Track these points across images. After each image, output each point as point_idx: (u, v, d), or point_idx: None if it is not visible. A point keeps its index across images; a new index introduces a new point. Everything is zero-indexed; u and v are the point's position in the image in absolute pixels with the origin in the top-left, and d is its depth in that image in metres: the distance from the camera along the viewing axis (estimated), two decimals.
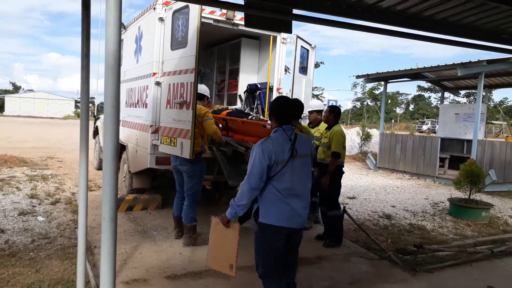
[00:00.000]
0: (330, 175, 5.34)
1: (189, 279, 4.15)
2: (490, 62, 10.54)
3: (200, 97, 5.39)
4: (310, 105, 6.44)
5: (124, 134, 7.33)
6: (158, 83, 5.73)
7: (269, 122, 6.06)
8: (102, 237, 1.94)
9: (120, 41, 1.82)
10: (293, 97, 6.33)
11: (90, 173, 9.16)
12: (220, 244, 3.29)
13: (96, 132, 10.74)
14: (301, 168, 3.06)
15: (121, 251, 4.74)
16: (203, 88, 5.52)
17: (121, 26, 1.87)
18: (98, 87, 11.08)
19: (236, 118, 5.98)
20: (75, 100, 66.11)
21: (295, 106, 3.50)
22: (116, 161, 1.88)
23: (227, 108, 6.89)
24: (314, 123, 6.30)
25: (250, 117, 6.38)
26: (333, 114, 5.62)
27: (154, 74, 5.74)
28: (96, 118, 11.13)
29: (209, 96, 5.61)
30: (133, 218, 6.17)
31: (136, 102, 6.67)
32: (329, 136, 5.45)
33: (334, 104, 18.14)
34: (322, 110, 6.42)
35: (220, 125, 5.91)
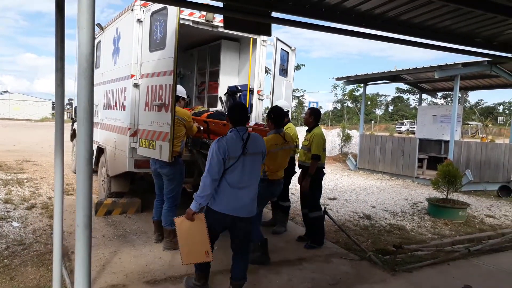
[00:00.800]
0: (310, 177, 5.36)
1: (169, 284, 4.10)
2: (465, 65, 10.80)
3: (176, 98, 5.38)
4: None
5: (102, 137, 7.21)
6: (136, 85, 5.65)
7: (250, 124, 6.00)
8: (76, 244, 1.88)
9: (93, 45, 1.77)
10: (273, 99, 6.34)
11: (68, 176, 8.98)
12: (191, 239, 3.59)
13: (74, 135, 10.54)
14: (251, 164, 3.58)
15: (100, 256, 4.65)
16: (179, 89, 5.50)
17: (94, 29, 1.83)
18: (76, 89, 10.88)
19: (218, 120, 5.92)
20: (52, 102, 64.78)
21: (247, 110, 3.87)
22: (90, 167, 1.83)
23: (208, 110, 6.81)
24: None
25: None
26: (313, 116, 5.64)
27: (132, 76, 5.66)
28: (74, 120, 10.93)
29: (185, 97, 5.56)
30: (112, 222, 6.06)
31: (114, 104, 6.56)
32: (309, 139, 5.46)
33: (315, 105, 18.31)
34: (288, 111, 6.27)
35: (201, 128, 5.86)
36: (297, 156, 6.19)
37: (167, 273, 4.31)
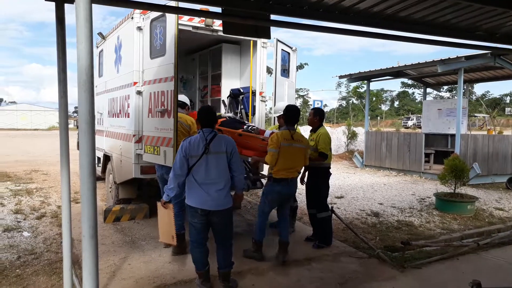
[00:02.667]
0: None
1: None
2: (468, 58, 10.74)
3: (182, 105, 5.43)
4: (277, 109, 6.03)
5: (108, 145, 7.28)
6: (139, 92, 5.71)
7: (266, 134, 5.81)
8: (83, 255, 1.92)
9: (92, 57, 1.80)
10: (275, 100, 6.35)
11: (76, 184, 9.06)
12: (164, 222, 4.31)
13: None
14: (216, 162, 3.89)
15: (110, 263, 4.70)
16: (184, 98, 5.60)
17: (93, 42, 1.86)
18: None
19: (232, 130, 5.65)
20: None
21: (213, 114, 4.11)
22: (93, 178, 1.86)
23: (220, 116, 6.47)
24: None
25: (246, 126, 5.96)
26: (318, 116, 5.63)
27: (135, 83, 5.71)
28: None
29: (189, 105, 5.61)
30: (120, 229, 6.11)
31: (118, 112, 6.62)
32: (315, 139, 5.45)
33: (320, 104, 18.29)
34: None
35: None
36: None
37: (177, 277, 4.34)
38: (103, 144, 7.57)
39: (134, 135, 5.77)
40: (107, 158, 7.31)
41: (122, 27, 6.35)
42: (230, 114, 7.01)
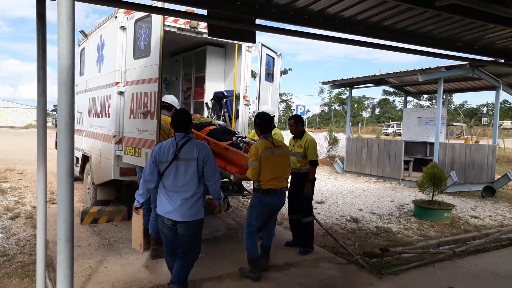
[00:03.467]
0: (310, 183, 5.39)
1: None
2: (448, 68, 10.99)
3: (168, 107, 5.37)
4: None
5: (87, 145, 7.15)
6: (121, 93, 5.63)
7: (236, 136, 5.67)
8: (58, 258, 1.86)
9: (73, 57, 1.76)
10: (259, 104, 6.35)
11: (53, 184, 8.84)
12: (135, 228, 4.24)
13: None
14: (185, 169, 3.68)
15: (85, 266, 4.60)
16: (172, 99, 5.52)
17: (74, 42, 1.81)
18: None
19: (219, 142, 5.41)
20: None
21: (186, 118, 3.91)
22: (71, 179, 1.82)
23: (210, 123, 6.22)
24: None
25: (235, 137, 5.73)
26: (301, 123, 5.66)
27: (117, 83, 5.63)
28: None
29: (177, 107, 5.55)
30: (98, 231, 6.00)
31: (99, 111, 6.51)
32: (304, 145, 5.45)
33: (302, 109, 18.42)
34: (273, 116, 5.94)
35: None
36: None
37: (154, 282, 4.28)
38: (82, 144, 7.43)
39: (114, 136, 5.68)
40: (85, 158, 7.17)
41: (105, 26, 6.26)
42: (221, 122, 6.77)
